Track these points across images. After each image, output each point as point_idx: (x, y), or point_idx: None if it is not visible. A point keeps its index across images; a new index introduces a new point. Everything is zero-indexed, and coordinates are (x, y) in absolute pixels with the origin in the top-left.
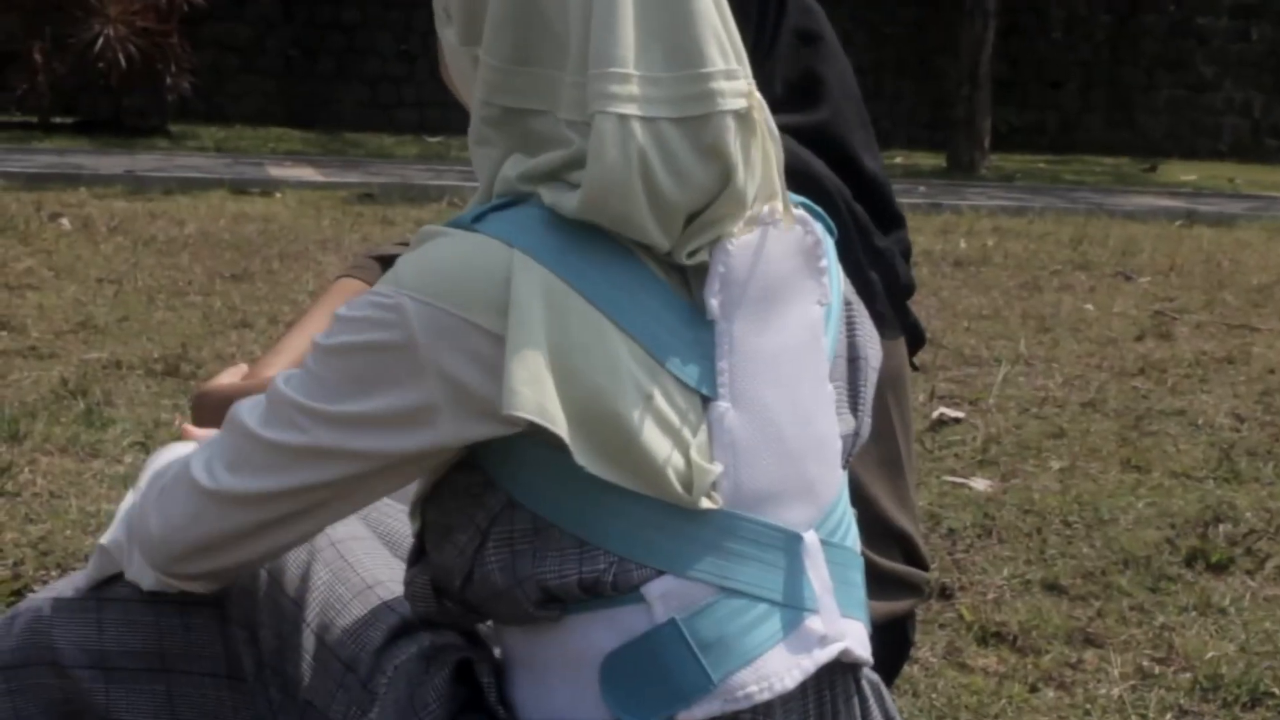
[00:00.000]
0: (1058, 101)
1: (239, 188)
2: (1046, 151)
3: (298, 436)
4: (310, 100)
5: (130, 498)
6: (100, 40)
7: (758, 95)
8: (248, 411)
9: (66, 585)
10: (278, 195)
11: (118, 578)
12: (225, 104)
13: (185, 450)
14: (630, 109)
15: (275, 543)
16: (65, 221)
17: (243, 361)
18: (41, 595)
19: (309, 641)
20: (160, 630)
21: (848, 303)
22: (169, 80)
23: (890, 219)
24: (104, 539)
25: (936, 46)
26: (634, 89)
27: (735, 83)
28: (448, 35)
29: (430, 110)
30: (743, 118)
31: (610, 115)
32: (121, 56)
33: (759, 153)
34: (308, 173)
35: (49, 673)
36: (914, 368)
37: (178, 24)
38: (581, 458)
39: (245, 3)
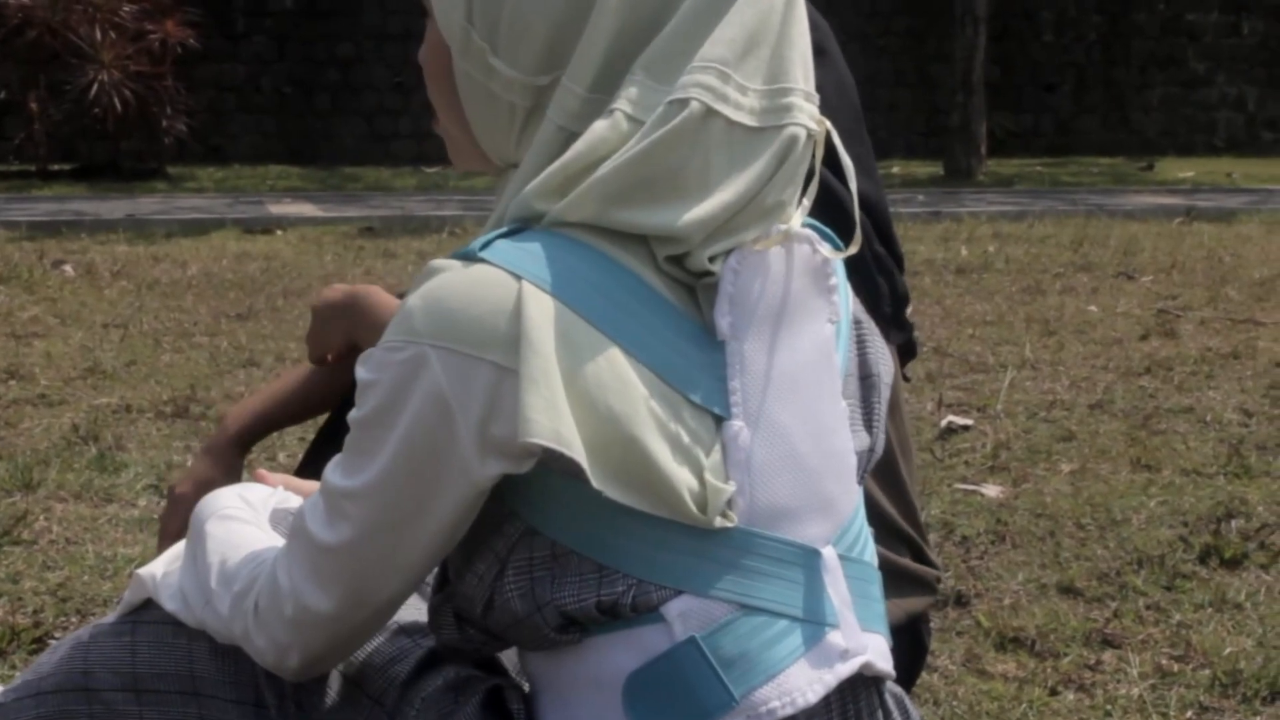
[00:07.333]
0: (1052, 104)
1: (240, 227)
2: (1043, 154)
3: (356, 528)
4: (308, 136)
5: (180, 545)
6: (95, 86)
7: (827, 124)
8: (310, 516)
9: (110, 615)
10: (279, 233)
11: (151, 603)
12: (223, 144)
13: (233, 501)
14: (719, 105)
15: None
16: (68, 268)
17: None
18: (87, 626)
19: (333, 676)
20: (191, 654)
21: (857, 321)
22: (165, 123)
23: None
24: (142, 569)
25: (931, 55)
26: (729, 90)
27: (811, 106)
28: (489, 63)
29: (427, 141)
30: (809, 139)
31: (701, 104)
32: (117, 101)
33: (801, 176)
34: (308, 209)
35: (81, 699)
36: (904, 379)
37: (172, 66)
38: (598, 482)
39: (239, 42)
